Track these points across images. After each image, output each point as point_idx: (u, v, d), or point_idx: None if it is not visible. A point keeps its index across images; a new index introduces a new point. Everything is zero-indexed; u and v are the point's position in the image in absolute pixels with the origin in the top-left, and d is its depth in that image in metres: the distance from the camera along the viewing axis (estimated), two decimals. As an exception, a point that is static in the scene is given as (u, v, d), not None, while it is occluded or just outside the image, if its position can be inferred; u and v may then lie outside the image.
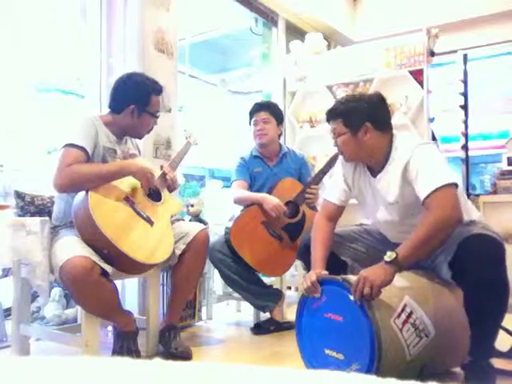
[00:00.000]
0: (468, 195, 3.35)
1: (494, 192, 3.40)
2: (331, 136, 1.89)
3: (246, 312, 3.04)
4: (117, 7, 2.91)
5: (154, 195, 2.11)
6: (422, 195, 1.63)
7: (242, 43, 5.65)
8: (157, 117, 2.20)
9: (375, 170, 1.85)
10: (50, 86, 4.39)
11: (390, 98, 2.60)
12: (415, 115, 3.71)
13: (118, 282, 2.03)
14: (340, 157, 1.97)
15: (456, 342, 1.68)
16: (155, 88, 2.15)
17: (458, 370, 1.72)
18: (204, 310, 2.94)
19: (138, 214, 1.97)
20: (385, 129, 1.81)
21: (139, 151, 2.36)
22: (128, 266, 1.89)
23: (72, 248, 1.79)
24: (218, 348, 2.43)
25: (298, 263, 3.16)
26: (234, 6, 4.09)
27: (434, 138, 3.72)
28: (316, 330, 1.75)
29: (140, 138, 2.28)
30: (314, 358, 1.76)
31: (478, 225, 1.71)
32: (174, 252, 2.10)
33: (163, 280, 2.53)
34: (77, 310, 2.51)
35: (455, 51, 4.16)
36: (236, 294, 2.84)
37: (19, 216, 2.23)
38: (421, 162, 1.68)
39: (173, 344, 2.12)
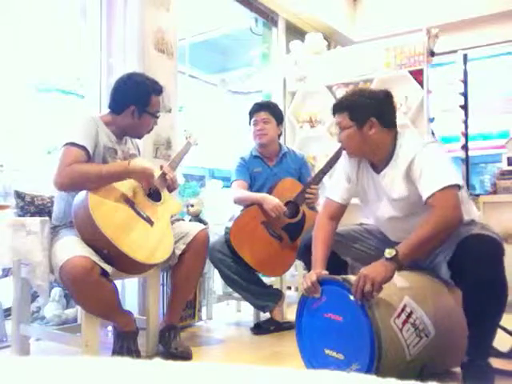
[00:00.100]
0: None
1: (494, 192, 3.40)
2: (336, 130, 1.89)
3: (246, 312, 3.04)
4: (117, 7, 2.91)
5: (154, 195, 2.11)
6: (425, 195, 1.64)
7: (242, 43, 5.66)
8: (157, 117, 2.20)
9: (378, 166, 1.85)
10: (49, 86, 4.39)
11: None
12: (415, 115, 3.71)
13: (118, 282, 2.03)
14: (344, 153, 1.97)
15: (456, 342, 1.68)
16: (155, 88, 2.15)
17: (457, 369, 1.72)
18: (204, 309, 2.94)
19: (138, 213, 1.97)
20: (390, 126, 1.81)
21: (139, 151, 2.36)
22: (128, 266, 1.89)
23: (72, 248, 1.79)
24: (217, 348, 2.43)
25: (298, 263, 3.16)
26: (233, 5, 4.09)
27: (433, 138, 3.72)
28: (316, 330, 1.75)
29: (140, 138, 2.28)
30: (314, 358, 1.76)
31: (478, 225, 1.71)
32: (174, 252, 2.10)
33: (163, 280, 2.53)
34: (77, 310, 2.51)
35: (455, 51, 4.17)
36: (236, 294, 2.84)
37: (19, 216, 2.23)
38: (425, 161, 1.69)
39: (173, 344, 2.12)
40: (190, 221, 3.04)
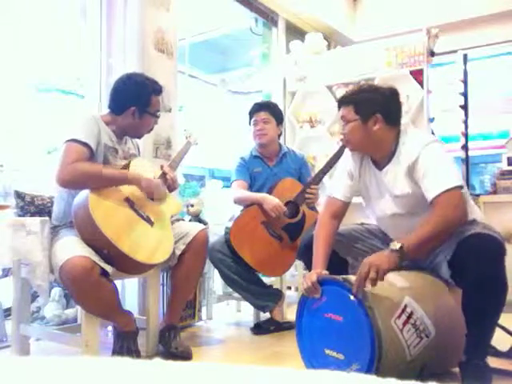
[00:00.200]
0: (468, 195, 3.34)
1: (494, 192, 3.40)
2: (339, 125, 1.89)
3: (246, 312, 3.04)
4: (117, 7, 2.91)
5: (154, 195, 2.11)
6: (431, 195, 1.65)
7: (242, 43, 5.65)
8: (157, 116, 2.20)
9: (380, 163, 1.86)
10: (50, 86, 4.39)
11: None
12: (415, 115, 3.71)
13: (117, 282, 2.03)
14: (347, 150, 1.98)
15: (456, 342, 1.68)
16: (155, 88, 2.16)
17: (457, 369, 1.72)
18: (204, 310, 2.94)
19: (138, 214, 1.97)
20: (394, 123, 1.82)
21: (139, 151, 2.36)
22: (128, 266, 1.89)
23: (72, 248, 1.79)
24: (217, 348, 2.43)
25: (298, 263, 3.16)
26: (234, 5, 4.09)
27: (433, 138, 3.72)
28: (316, 330, 1.75)
29: (140, 138, 2.29)
30: (314, 358, 1.76)
31: (480, 224, 1.71)
32: (173, 252, 2.10)
33: (163, 280, 2.53)
34: (77, 310, 2.51)
35: (455, 51, 4.16)
36: (236, 294, 2.84)
37: (19, 216, 2.23)
38: (429, 161, 1.69)
39: (173, 344, 2.12)
40: (190, 221, 3.04)
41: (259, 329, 2.63)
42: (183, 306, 2.41)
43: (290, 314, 2.78)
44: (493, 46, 4.63)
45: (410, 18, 4.46)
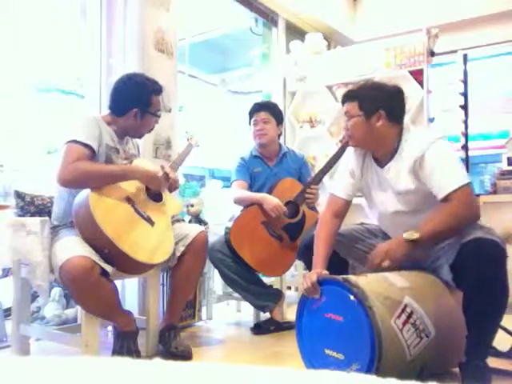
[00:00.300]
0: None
1: (494, 192, 3.40)
2: (344, 119, 1.89)
3: (246, 312, 3.04)
4: (117, 7, 2.91)
5: (155, 195, 2.11)
6: (444, 192, 1.66)
7: (242, 43, 5.65)
8: (159, 116, 2.20)
9: (382, 161, 1.86)
10: (50, 86, 4.39)
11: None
12: (415, 115, 3.71)
13: (117, 282, 2.03)
14: (349, 148, 1.98)
15: (456, 342, 1.68)
16: (155, 88, 2.16)
17: (457, 369, 1.72)
18: (204, 310, 2.94)
19: (139, 213, 1.97)
20: (397, 120, 1.84)
21: (139, 151, 2.37)
22: (128, 265, 1.89)
23: (72, 248, 1.79)
24: (218, 348, 2.43)
25: (298, 263, 3.16)
26: (234, 5, 4.09)
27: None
28: (316, 330, 1.75)
29: (140, 138, 2.29)
30: (314, 358, 1.76)
31: (484, 228, 1.70)
32: (174, 253, 2.10)
33: (163, 280, 2.53)
34: (77, 310, 2.51)
35: (455, 51, 4.17)
36: (236, 294, 2.84)
37: (19, 216, 2.23)
38: (438, 158, 1.70)
39: (173, 344, 2.12)
40: (190, 221, 3.05)
41: (259, 329, 2.63)
42: (183, 306, 2.41)
43: (290, 314, 2.78)
44: (493, 45, 4.63)
45: (410, 18, 4.46)
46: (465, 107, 3.95)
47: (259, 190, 2.77)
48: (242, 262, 2.57)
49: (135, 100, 2.09)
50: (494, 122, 7.55)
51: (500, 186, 3.37)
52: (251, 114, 2.84)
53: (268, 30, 4.58)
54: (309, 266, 1.92)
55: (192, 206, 3.08)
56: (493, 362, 1.65)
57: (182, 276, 2.18)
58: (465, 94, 3.95)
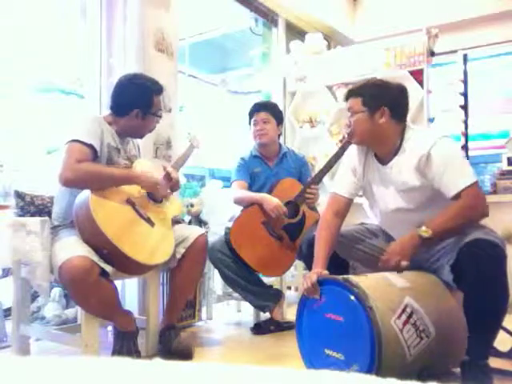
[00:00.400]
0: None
1: (494, 192, 3.40)
2: (347, 115, 1.89)
3: (246, 312, 3.04)
4: (117, 7, 2.91)
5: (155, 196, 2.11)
6: (455, 190, 1.67)
7: (242, 43, 5.65)
8: (160, 116, 2.21)
9: (384, 159, 1.86)
10: (50, 86, 4.38)
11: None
12: (415, 115, 3.71)
13: (117, 282, 2.03)
14: (351, 146, 1.98)
15: (456, 342, 1.68)
16: (156, 88, 2.16)
17: (458, 370, 1.72)
18: (204, 310, 2.94)
19: (139, 214, 1.97)
20: (400, 118, 1.84)
21: (139, 151, 2.37)
22: (128, 266, 1.89)
23: (72, 248, 1.79)
24: (217, 348, 2.43)
25: (298, 263, 3.16)
26: (233, 6, 4.09)
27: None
28: (316, 330, 1.75)
29: (141, 138, 2.29)
30: (314, 358, 1.76)
31: (484, 229, 1.70)
32: (174, 255, 2.10)
33: (163, 280, 2.53)
34: (77, 310, 2.51)
35: (455, 51, 4.17)
36: (236, 294, 2.84)
37: (19, 216, 2.23)
38: (444, 156, 1.71)
39: (173, 344, 2.12)
40: (190, 221, 3.04)
41: (259, 329, 2.63)
42: (183, 307, 2.42)
43: (290, 314, 2.78)
44: (493, 46, 4.63)
45: (410, 18, 4.46)
46: (465, 107, 3.95)
47: (259, 190, 2.77)
48: (242, 262, 2.57)
49: (136, 101, 2.09)
50: (494, 122, 7.55)
51: (500, 186, 3.37)
52: (251, 114, 2.85)
53: (268, 30, 4.58)
54: (309, 266, 1.92)
55: (192, 206, 3.08)
56: (493, 362, 1.65)
57: (181, 278, 2.18)
58: (465, 94, 3.95)
